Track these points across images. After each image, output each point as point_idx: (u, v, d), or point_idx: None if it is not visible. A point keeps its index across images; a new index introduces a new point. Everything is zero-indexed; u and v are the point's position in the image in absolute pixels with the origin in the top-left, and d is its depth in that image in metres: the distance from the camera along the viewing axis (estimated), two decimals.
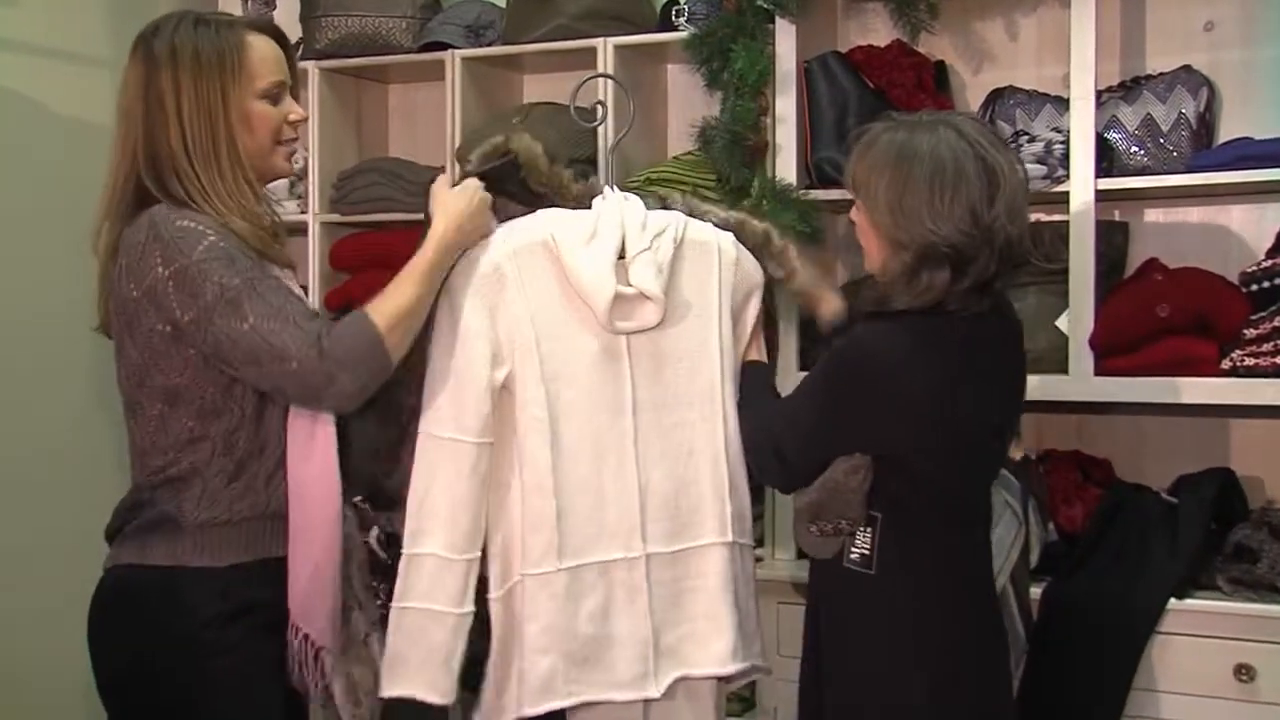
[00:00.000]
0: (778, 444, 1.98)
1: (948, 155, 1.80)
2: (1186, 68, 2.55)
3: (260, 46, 1.88)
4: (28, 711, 3.00)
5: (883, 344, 1.86)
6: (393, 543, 1.99)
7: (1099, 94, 2.48)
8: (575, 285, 1.93)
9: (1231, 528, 2.43)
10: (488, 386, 1.91)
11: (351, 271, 3.26)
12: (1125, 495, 2.55)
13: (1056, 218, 2.54)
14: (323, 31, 3.19)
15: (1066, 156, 2.46)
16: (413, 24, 3.16)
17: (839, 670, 1.95)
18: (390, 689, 1.91)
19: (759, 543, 2.49)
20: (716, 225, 2.08)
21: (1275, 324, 2.32)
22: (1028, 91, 2.66)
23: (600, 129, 2.73)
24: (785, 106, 2.69)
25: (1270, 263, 2.40)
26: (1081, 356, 2.45)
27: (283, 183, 3.21)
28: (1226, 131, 2.59)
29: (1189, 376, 2.39)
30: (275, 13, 3.30)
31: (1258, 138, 2.47)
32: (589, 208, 2.00)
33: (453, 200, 1.90)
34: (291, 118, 1.92)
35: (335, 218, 3.26)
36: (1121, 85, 2.61)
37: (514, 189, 1.98)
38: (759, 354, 2.13)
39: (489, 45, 3.10)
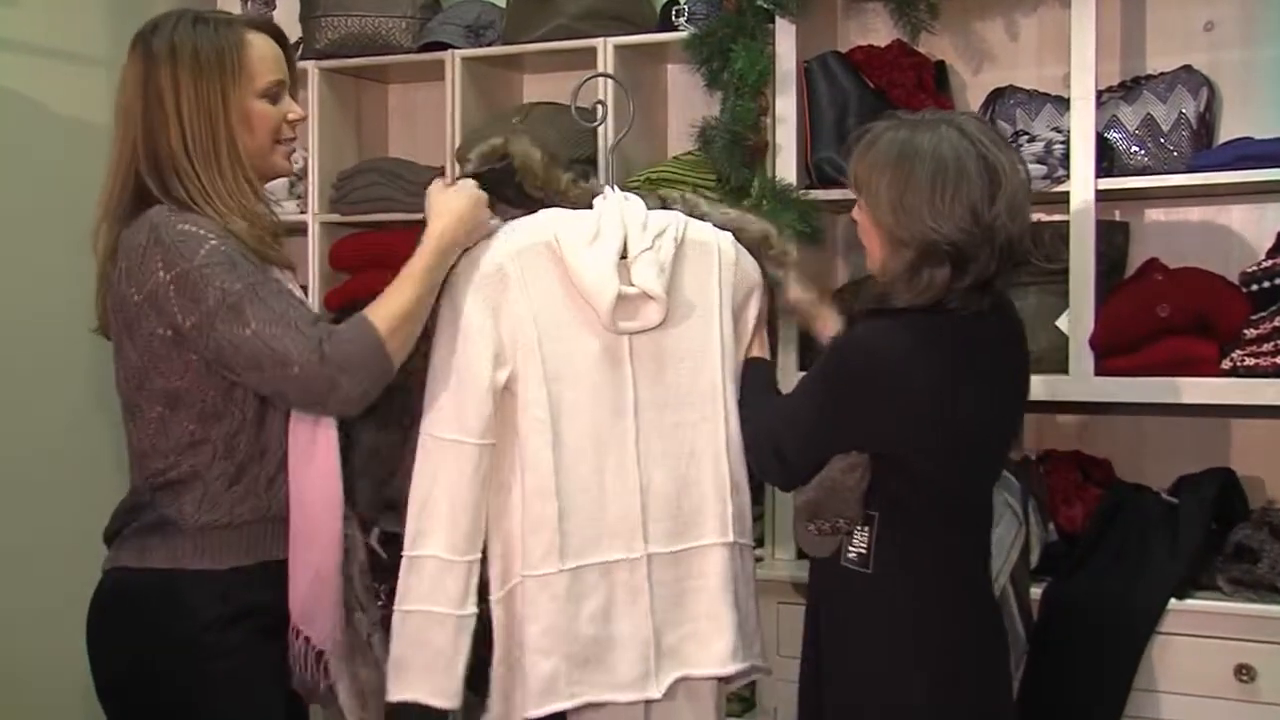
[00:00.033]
0: (777, 443, 1.97)
1: (949, 154, 1.80)
2: (1187, 68, 2.55)
3: (259, 45, 1.87)
4: (27, 711, 3.00)
5: (882, 341, 1.85)
6: (392, 543, 1.98)
7: (1099, 94, 2.48)
8: (578, 285, 1.93)
9: (1232, 528, 2.43)
10: (490, 387, 1.90)
11: (351, 271, 3.26)
12: (1125, 495, 2.55)
13: (1057, 218, 2.54)
14: (322, 31, 3.19)
15: (1067, 156, 2.46)
16: (413, 24, 3.16)
17: (839, 670, 1.95)
18: (395, 694, 1.91)
19: (759, 543, 2.49)
20: (716, 225, 2.08)
21: (1275, 324, 2.32)
22: (1028, 91, 2.66)
23: (600, 129, 2.73)
24: (785, 106, 2.69)
25: (1270, 263, 2.40)
26: (1082, 356, 2.45)
27: (282, 182, 3.21)
28: (1227, 131, 2.58)
29: (1189, 376, 2.39)
30: (275, 12, 3.31)
31: (1258, 138, 2.47)
32: (589, 208, 2.00)
33: (447, 200, 1.90)
34: (291, 117, 1.92)
35: (335, 218, 3.26)
36: (1122, 85, 2.61)
37: (510, 193, 1.98)
38: (762, 351, 2.13)
39: (489, 45, 3.10)
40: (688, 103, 3.02)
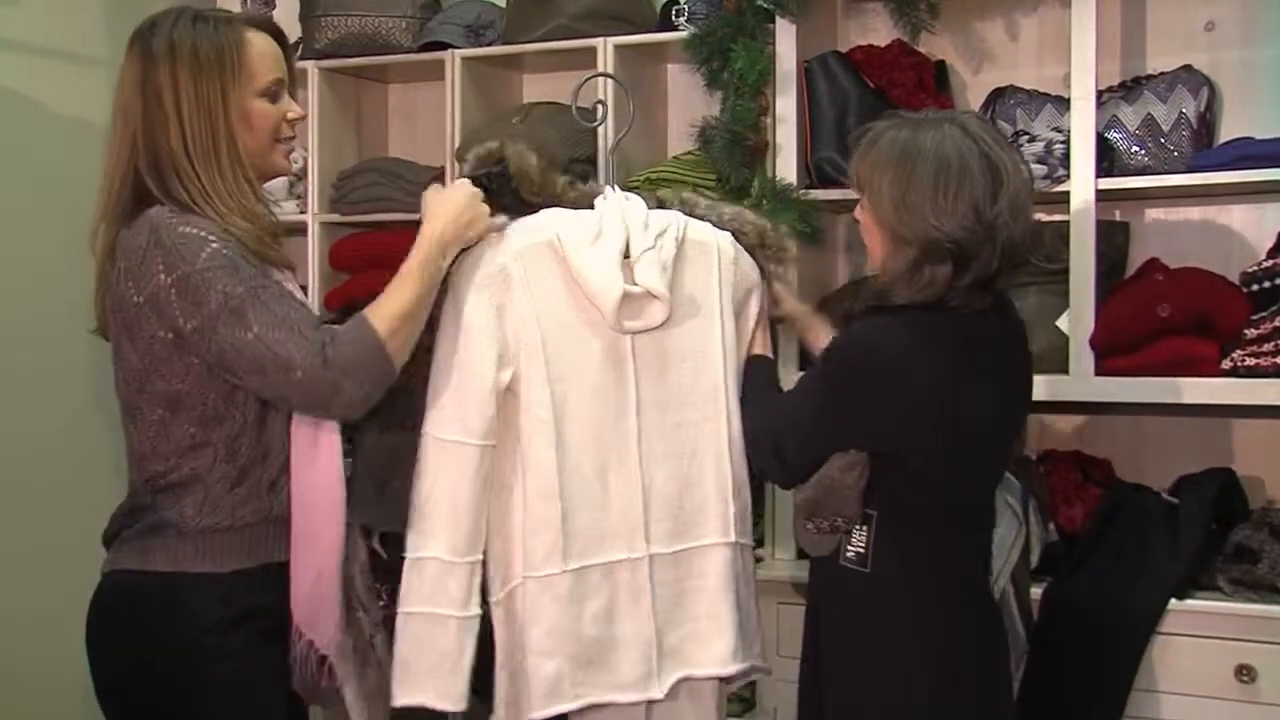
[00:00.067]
0: (778, 441, 1.97)
1: (952, 152, 1.80)
2: (1187, 67, 2.55)
3: (259, 44, 1.86)
4: (27, 711, 2.99)
5: (882, 338, 1.85)
6: (393, 543, 1.98)
7: (1099, 94, 2.48)
8: (582, 285, 1.92)
9: (1232, 528, 2.43)
10: (493, 388, 1.90)
11: (351, 271, 3.26)
12: (1125, 495, 2.55)
13: (1057, 218, 2.54)
14: (322, 31, 3.19)
15: (1067, 156, 2.45)
16: (412, 24, 3.15)
17: (839, 670, 1.95)
18: (400, 698, 1.90)
19: (759, 543, 2.48)
20: (713, 224, 2.08)
21: (1276, 324, 2.32)
22: (1028, 91, 2.66)
23: (600, 129, 2.73)
24: (785, 106, 2.69)
25: (1271, 263, 2.40)
26: (1082, 356, 2.44)
27: (282, 182, 3.21)
28: (1227, 131, 2.58)
29: (1189, 376, 2.39)
30: (275, 12, 3.30)
31: (1258, 137, 2.47)
32: (589, 209, 2.00)
33: (441, 199, 1.89)
34: (290, 116, 1.91)
35: (335, 218, 3.26)
36: (1122, 85, 2.61)
37: (508, 199, 1.97)
38: (763, 349, 2.13)
39: (489, 45, 3.10)
40: (688, 103, 3.02)
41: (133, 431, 1.84)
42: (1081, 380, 2.45)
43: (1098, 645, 2.31)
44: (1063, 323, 2.49)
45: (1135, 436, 2.71)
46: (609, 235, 1.94)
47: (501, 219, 1.94)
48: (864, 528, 1.90)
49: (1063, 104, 2.54)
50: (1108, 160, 2.50)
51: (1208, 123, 2.53)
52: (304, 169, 3.25)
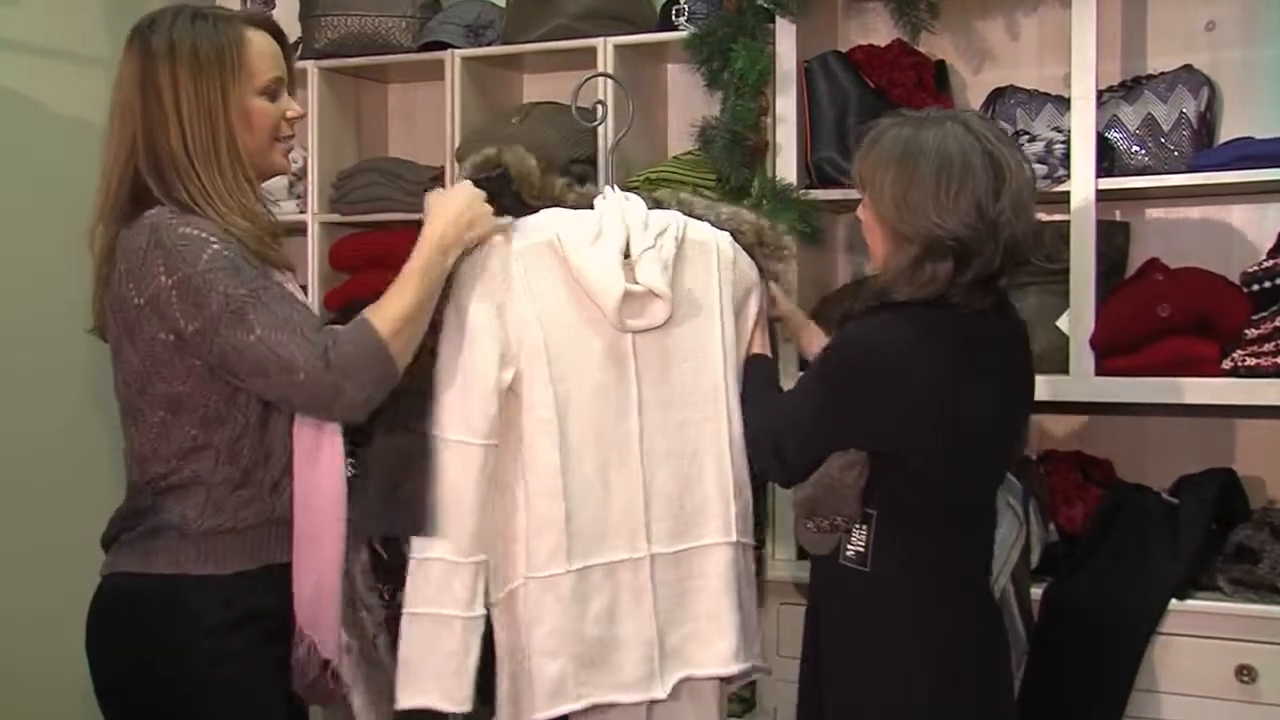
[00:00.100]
0: (778, 441, 1.97)
1: (954, 149, 1.80)
2: (1187, 67, 2.55)
3: (258, 42, 1.86)
4: (27, 711, 3.00)
5: (882, 335, 1.85)
6: (393, 543, 1.98)
7: (1100, 93, 2.48)
8: (583, 284, 1.92)
9: (1232, 528, 2.43)
10: (495, 388, 1.90)
11: (351, 271, 3.26)
12: (1126, 495, 2.55)
13: (1057, 217, 2.54)
14: (322, 31, 3.18)
15: (1067, 156, 2.45)
16: (412, 23, 3.15)
17: (839, 670, 1.95)
18: (405, 700, 1.89)
19: (760, 544, 2.48)
20: (712, 223, 2.08)
21: (1276, 324, 2.31)
22: (1028, 91, 2.66)
23: (600, 129, 2.73)
24: (785, 106, 2.69)
25: (1271, 262, 2.39)
26: (1082, 356, 2.44)
27: (282, 182, 3.21)
28: (1227, 131, 2.58)
29: (1190, 377, 2.38)
30: (275, 11, 3.30)
31: (1259, 137, 2.46)
32: (589, 209, 2.00)
33: (443, 202, 1.88)
34: (290, 114, 1.90)
35: (335, 218, 3.25)
36: (1122, 85, 2.61)
37: (508, 202, 1.97)
38: (763, 348, 2.13)
39: (489, 45, 3.10)
40: (688, 103, 3.02)
41: (133, 433, 1.84)
42: (1082, 380, 2.45)
43: (1098, 645, 2.31)
44: (1063, 323, 2.49)
45: (1136, 437, 2.71)
46: (609, 235, 1.94)
47: (505, 219, 1.93)
48: (864, 527, 1.90)
49: (1063, 104, 2.54)
50: (1108, 160, 2.49)
51: (1208, 122, 2.53)
52: (304, 169, 3.25)
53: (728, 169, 2.70)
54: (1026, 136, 2.53)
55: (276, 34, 1.91)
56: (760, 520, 2.22)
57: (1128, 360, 2.43)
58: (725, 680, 2.05)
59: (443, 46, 3.10)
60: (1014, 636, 2.24)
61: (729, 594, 1.98)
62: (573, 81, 2.25)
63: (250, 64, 1.84)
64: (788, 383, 2.17)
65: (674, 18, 2.89)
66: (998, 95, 2.68)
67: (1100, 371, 2.44)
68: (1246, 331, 2.34)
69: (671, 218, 2.02)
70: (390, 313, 1.77)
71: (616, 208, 1.97)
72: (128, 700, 1.82)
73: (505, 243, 1.92)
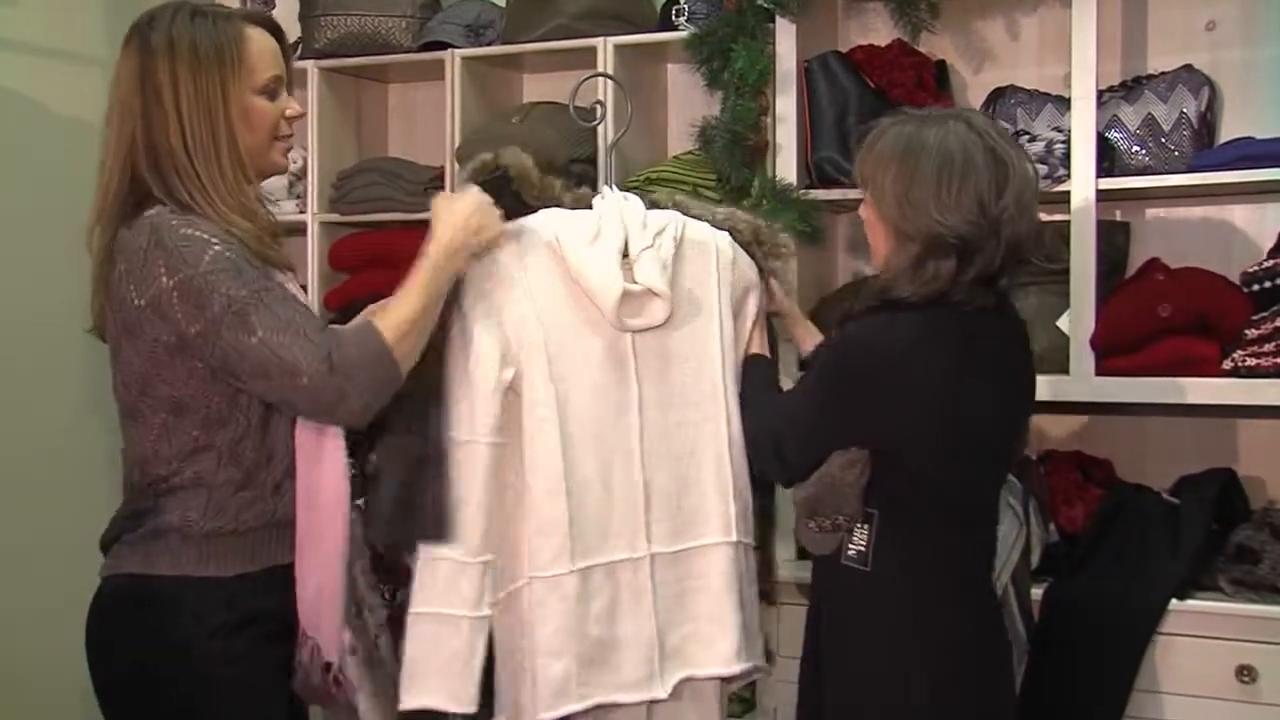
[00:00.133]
0: (777, 441, 1.97)
1: (956, 147, 1.79)
2: (1188, 67, 2.55)
3: (258, 40, 1.85)
4: (27, 711, 3.00)
5: (883, 335, 1.85)
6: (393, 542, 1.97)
7: (1100, 93, 2.48)
8: (582, 284, 1.92)
9: (1233, 528, 2.43)
10: (497, 386, 1.89)
11: (351, 271, 3.26)
12: (1126, 496, 2.55)
13: (1057, 217, 2.54)
14: (322, 31, 3.18)
15: (1067, 156, 2.45)
16: (412, 23, 3.15)
17: (839, 670, 1.94)
18: (410, 700, 1.87)
19: (758, 544, 2.48)
20: (709, 223, 2.08)
21: (1277, 324, 2.31)
22: (1029, 91, 2.66)
23: (600, 128, 2.73)
24: (785, 106, 2.68)
25: (1272, 262, 2.39)
26: (1082, 356, 2.44)
27: (282, 182, 3.21)
28: (1228, 131, 2.58)
29: (1190, 377, 2.38)
30: (275, 11, 3.30)
31: (1259, 137, 2.46)
32: (587, 209, 1.99)
33: (450, 206, 1.87)
34: (289, 113, 1.89)
35: (334, 217, 3.25)
36: (1123, 85, 2.61)
37: (508, 203, 1.97)
38: (762, 349, 2.13)
39: (489, 45, 3.10)
40: (688, 102, 3.01)
41: (133, 434, 1.82)
42: (1082, 380, 2.45)
43: (1098, 645, 2.31)
44: (1063, 323, 2.49)
45: (1136, 437, 2.71)
46: (607, 234, 1.94)
47: (511, 225, 1.93)
48: (865, 526, 1.90)
49: (1063, 104, 2.54)
50: (1108, 160, 2.49)
51: (1208, 122, 2.53)
52: (303, 169, 3.25)
53: (728, 169, 2.70)
54: (1027, 136, 2.53)
55: (276, 32, 1.90)
56: (770, 522, 2.21)
57: (1128, 360, 2.43)
58: (726, 680, 2.05)
59: (443, 46, 3.10)
60: (1014, 637, 2.24)
61: (730, 594, 1.98)
62: (573, 81, 2.25)
63: (250, 61, 1.83)
64: (787, 382, 2.17)
65: (674, 17, 2.88)
66: (998, 95, 2.68)
67: (1100, 371, 2.44)
68: (1247, 331, 2.34)
69: (670, 217, 2.01)
70: (396, 318, 1.77)
71: (615, 207, 1.97)
72: (129, 702, 1.82)
73: (505, 243, 1.92)
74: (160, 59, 1.78)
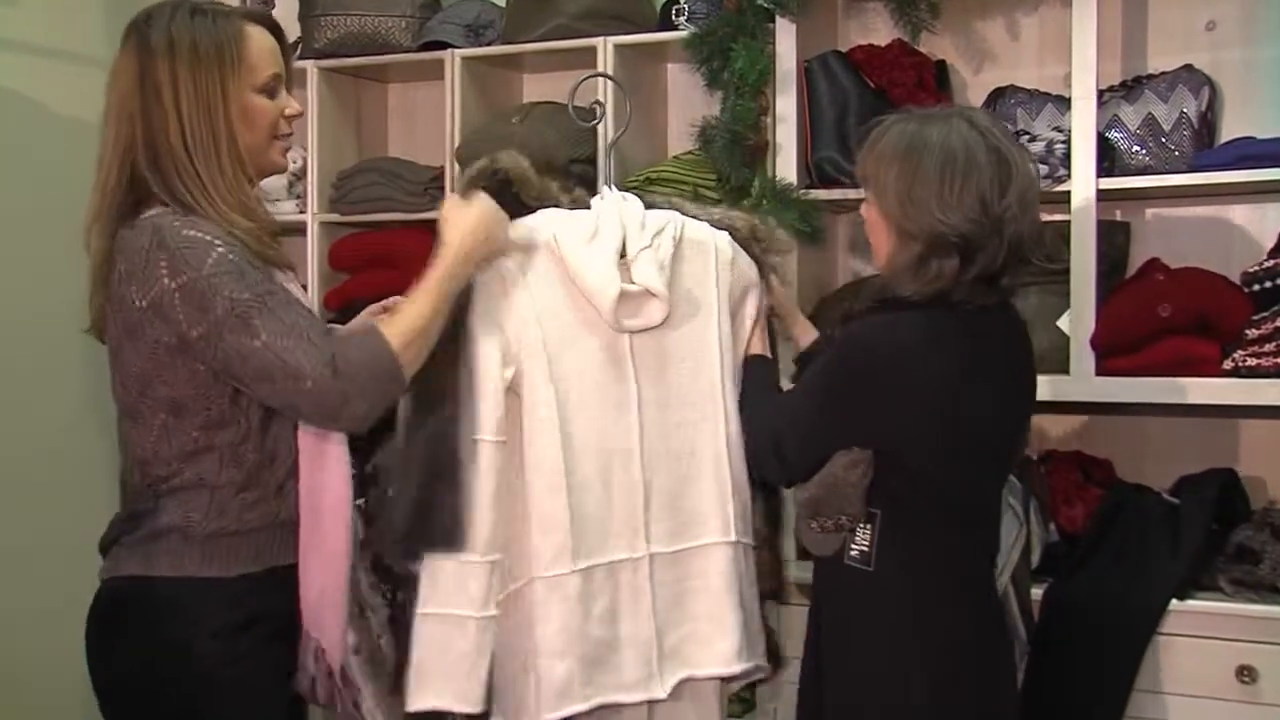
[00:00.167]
0: (777, 441, 1.97)
1: (959, 145, 1.79)
2: (1188, 67, 2.55)
3: (258, 38, 1.84)
4: (27, 711, 3.00)
5: (884, 335, 1.85)
6: None
7: (1100, 93, 2.48)
8: (579, 284, 1.92)
9: (1233, 528, 2.43)
10: (500, 386, 1.89)
11: (351, 271, 3.26)
12: (1126, 496, 2.55)
13: (1058, 217, 2.54)
14: (322, 31, 3.18)
15: (1068, 156, 2.45)
16: (412, 23, 3.15)
17: (839, 670, 1.94)
18: (417, 702, 1.86)
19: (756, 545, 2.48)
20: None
21: (1277, 324, 2.31)
22: (1029, 91, 2.66)
23: (599, 128, 2.73)
24: (785, 106, 2.68)
25: (1272, 263, 2.39)
26: (1083, 356, 2.44)
27: (282, 182, 3.21)
28: (1228, 131, 2.58)
29: (1191, 377, 2.38)
30: (274, 11, 3.30)
31: (1259, 137, 2.46)
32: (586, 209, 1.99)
33: (462, 214, 1.86)
34: (288, 112, 1.88)
35: (334, 217, 3.25)
36: (1123, 85, 2.61)
37: (508, 205, 1.96)
38: (762, 349, 2.13)
39: (489, 44, 3.10)
40: (688, 102, 3.01)
41: (133, 435, 1.81)
42: (1082, 380, 2.45)
43: (1098, 645, 2.31)
44: (1063, 323, 2.49)
45: (1136, 437, 2.71)
46: (605, 234, 1.93)
47: (522, 238, 1.92)
48: (868, 526, 1.89)
49: (1063, 104, 2.54)
50: (1109, 160, 2.49)
51: (1209, 122, 2.53)
52: (303, 169, 3.25)
53: (728, 169, 2.70)
54: (1027, 136, 2.53)
55: (275, 30, 1.89)
56: (778, 523, 2.21)
57: (1128, 360, 2.43)
58: (726, 680, 2.05)
59: (442, 46, 3.09)
60: (1014, 637, 2.24)
61: (729, 594, 1.98)
62: (572, 81, 2.24)
63: (250, 59, 1.82)
64: (787, 383, 2.17)
65: (674, 17, 2.88)
66: (998, 95, 2.68)
67: (1101, 371, 2.44)
68: (1247, 331, 2.34)
69: (669, 217, 2.01)
70: (403, 326, 1.76)
71: (613, 207, 1.97)
72: (131, 703, 1.81)
73: (512, 250, 1.92)
74: (160, 57, 1.77)
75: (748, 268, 2.10)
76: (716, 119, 2.73)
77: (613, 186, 2.05)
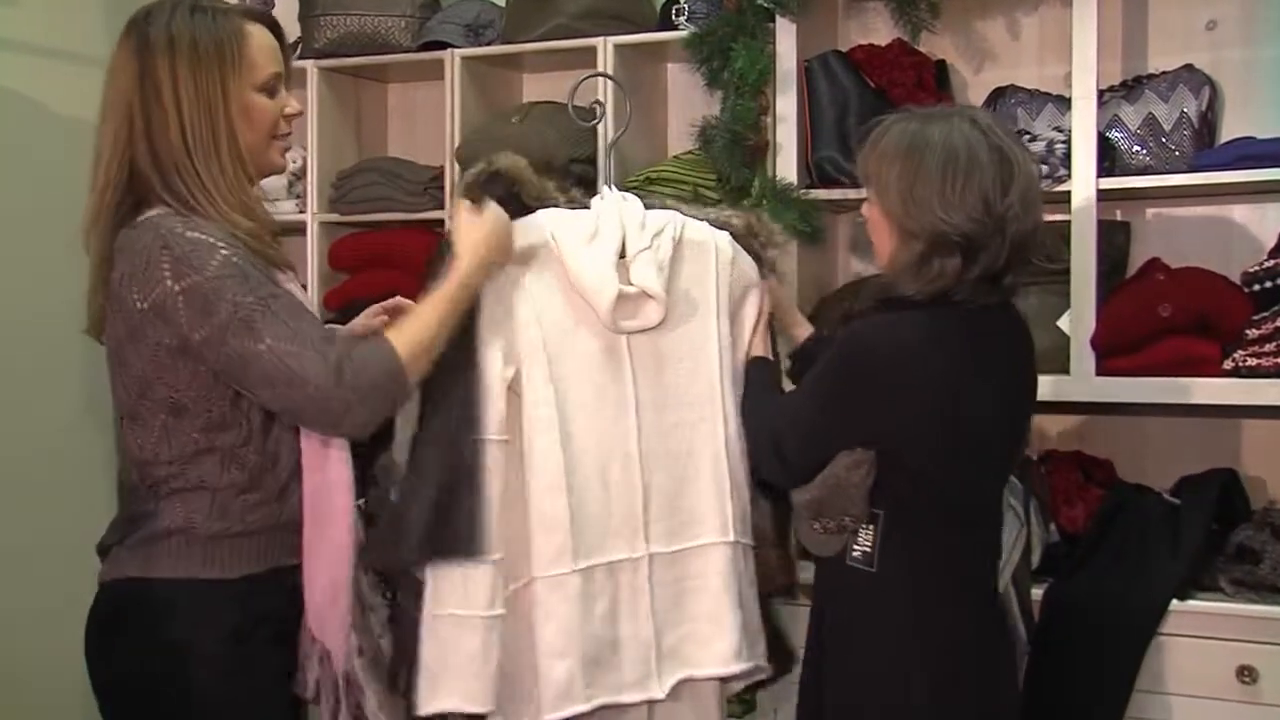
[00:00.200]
0: (778, 442, 1.97)
1: (960, 144, 1.79)
2: (1188, 67, 2.55)
3: (258, 36, 1.83)
4: (27, 711, 2.99)
5: (885, 335, 1.84)
6: None
7: (1101, 93, 2.47)
8: (577, 285, 1.92)
9: (1234, 528, 2.43)
10: (502, 385, 1.89)
11: (350, 271, 3.26)
12: (1127, 496, 2.54)
13: (1058, 217, 2.53)
14: (321, 30, 3.18)
15: (1068, 156, 2.45)
16: (412, 23, 3.15)
17: (839, 670, 1.94)
18: (428, 705, 1.86)
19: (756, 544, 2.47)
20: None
21: (1277, 324, 2.31)
22: (1029, 91, 2.66)
23: (599, 128, 2.73)
24: (786, 106, 2.68)
25: (1272, 262, 2.39)
26: (1083, 356, 2.44)
27: (281, 182, 3.21)
28: (1228, 131, 2.58)
29: (1191, 377, 2.38)
30: (274, 11, 3.30)
31: (1260, 137, 2.46)
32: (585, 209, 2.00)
33: (475, 224, 1.86)
34: (288, 111, 1.88)
35: (334, 217, 3.25)
36: (1123, 84, 2.60)
37: (508, 206, 1.96)
38: (764, 350, 2.13)
39: (488, 44, 3.10)
40: (688, 102, 3.01)
41: (133, 437, 1.81)
42: (1082, 380, 2.44)
43: (1099, 646, 2.30)
44: (1064, 323, 2.49)
45: (1136, 437, 2.71)
46: (604, 235, 1.93)
47: (528, 245, 1.92)
48: (870, 527, 1.89)
49: (1064, 103, 2.54)
50: (1109, 160, 2.49)
51: (1209, 122, 2.52)
52: (303, 168, 3.24)
53: (728, 169, 2.70)
54: (1027, 136, 2.52)
55: (275, 28, 1.88)
56: (784, 524, 2.20)
57: (1128, 360, 2.43)
58: (726, 680, 2.05)
59: (442, 46, 3.09)
60: (1015, 637, 2.23)
61: (729, 594, 1.98)
62: (572, 81, 2.24)
63: (250, 58, 1.81)
64: (787, 384, 2.17)
65: (674, 17, 2.88)
66: (998, 95, 2.67)
67: (1101, 371, 2.43)
68: (1247, 331, 2.34)
69: (669, 217, 2.01)
70: (412, 337, 1.76)
71: (613, 208, 1.97)
72: (132, 705, 1.81)
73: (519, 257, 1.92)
74: (160, 56, 1.77)
75: (748, 268, 2.10)
76: (716, 119, 2.73)
77: (613, 186, 2.05)
